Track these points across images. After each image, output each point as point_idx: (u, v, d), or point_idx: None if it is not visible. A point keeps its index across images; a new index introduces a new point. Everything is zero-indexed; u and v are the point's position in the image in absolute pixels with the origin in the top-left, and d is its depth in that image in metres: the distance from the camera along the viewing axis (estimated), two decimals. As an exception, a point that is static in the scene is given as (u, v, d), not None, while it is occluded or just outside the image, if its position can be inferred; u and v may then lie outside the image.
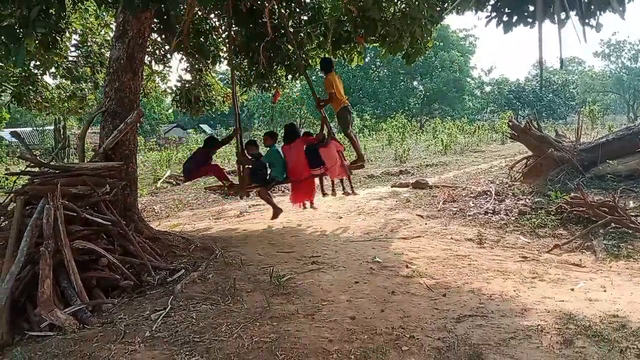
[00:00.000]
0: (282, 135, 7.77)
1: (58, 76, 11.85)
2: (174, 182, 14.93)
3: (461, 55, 45.34)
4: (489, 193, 8.33)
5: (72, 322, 3.79)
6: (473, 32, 66.68)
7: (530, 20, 5.31)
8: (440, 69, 44.56)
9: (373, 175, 13.07)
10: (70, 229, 4.75)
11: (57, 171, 5.12)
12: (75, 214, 4.82)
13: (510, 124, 9.32)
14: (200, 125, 56.00)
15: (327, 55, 8.75)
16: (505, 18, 5.40)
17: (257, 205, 9.73)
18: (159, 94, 12.82)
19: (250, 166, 7.39)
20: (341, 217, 8.01)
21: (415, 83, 48.34)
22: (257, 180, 7.41)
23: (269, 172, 7.39)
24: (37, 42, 8.89)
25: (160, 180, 15.15)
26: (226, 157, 18.62)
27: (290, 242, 6.51)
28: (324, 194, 7.95)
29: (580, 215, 6.71)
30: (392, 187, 10.57)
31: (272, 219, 7.58)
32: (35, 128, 37.41)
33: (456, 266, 5.35)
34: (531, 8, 5.30)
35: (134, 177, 6.27)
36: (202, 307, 4.08)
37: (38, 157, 5.66)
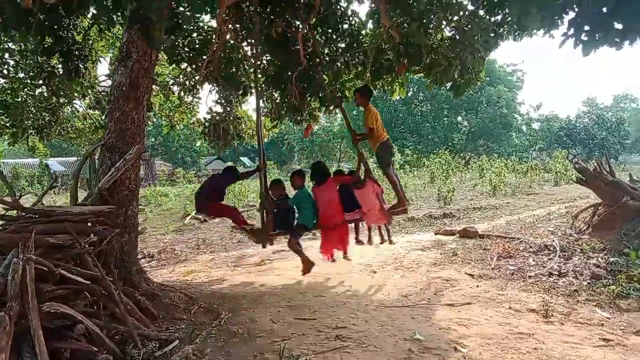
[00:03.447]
0: (310, 174, 6.86)
1: (86, 107, 11.54)
2: (202, 219, 14.21)
3: (508, 90, 43.78)
4: (551, 248, 7.04)
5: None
6: (521, 67, 64.98)
7: (617, 40, 4.21)
8: (485, 105, 43.08)
9: (414, 218, 11.87)
10: (41, 288, 3.91)
11: (35, 216, 4.33)
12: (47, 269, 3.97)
13: (577, 165, 8.02)
14: (241, 158, 56.26)
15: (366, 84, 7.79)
16: (585, 37, 4.32)
17: (281, 251, 8.74)
18: (187, 126, 12.28)
19: (275, 210, 6.45)
20: (375, 272, 6.87)
21: (459, 118, 46.92)
22: (283, 227, 6.49)
23: (296, 217, 6.45)
24: (60, 71, 8.56)
25: (189, 217, 14.47)
26: (241, 195, 17.76)
27: (312, 304, 5.43)
28: (358, 242, 6.94)
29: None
30: (435, 234, 9.38)
31: (303, 273, 6.51)
32: (79, 158, 38.31)
33: (519, 351, 4.14)
34: (618, 26, 4.21)
35: (134, 223, 5.43)
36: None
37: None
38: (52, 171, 31.37)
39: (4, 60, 8.63)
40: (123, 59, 5.09)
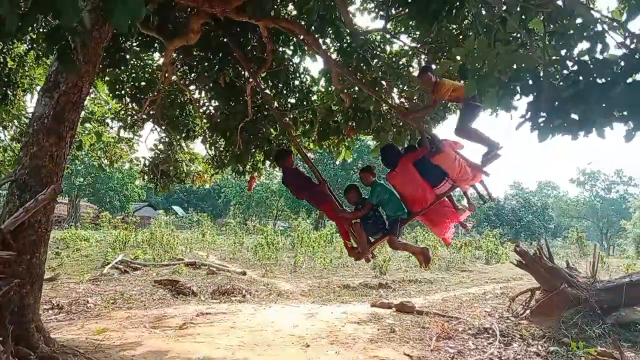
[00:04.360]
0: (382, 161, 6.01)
1: (9, 138, 10.55)
2: (123, 269, 12.98)
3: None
4: (490, 331, 6.80)
5: None
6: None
7: (576, 129, 4.14)
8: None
9: (349, 286, 11.43)
10: None
11: None
12: None
13: (518, 249, 8.02)
14: (173, 207, 54.22)
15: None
16: (542, 123, 4.24)
17: (207, 314, 7.94)
18: (122, 165, 11.52)
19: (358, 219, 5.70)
20: (308, 346, 6.25)
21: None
22: (376, 230, 5.69)
23: (383, 215, 5.71)
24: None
25: (109, 266, 13.19)
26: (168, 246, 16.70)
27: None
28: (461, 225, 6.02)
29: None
30: (372, 306, 8.95)
31: (425, 265, 5.75)
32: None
33: None
34: (575, 117, 4.14)
35: (39, 272, 4.62)
36: None
37: None
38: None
39: None
40: (49, 89, 4.49)
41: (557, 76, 4.05)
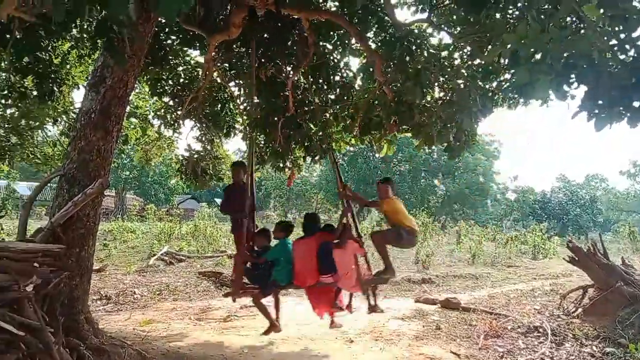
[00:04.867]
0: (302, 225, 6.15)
1: (58, 133, 10.94)
2: (168, 261, 13.34)
3: (486, 159, 44.56)
4: (541, 330, 6.57)
5: None
6: (498, 137, 66.84)
7: (636, 117, 3.91)
8: (462, 171, 43.59)
9: (392, 281, 11.27)
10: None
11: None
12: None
13: (570, 245, 7.69)
14: (215, 199, 55.22)
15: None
16: (599, 111, 4.02)
17: (251, 306, 8.03)
18: (163, 161, 11.78)
19: (251, 263, 5.84)
20: (352, 341, 6.23)
21: (436, 182, 47.26)
22: (254, 281, 5.83)
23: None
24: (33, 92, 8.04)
25: (154, 257, 13.58)
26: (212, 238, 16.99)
27: (281, 377, 4.76)
28: (334, 310, 6.01)
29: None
30: (415, 301, 8.82)
31: (264, 333, 5.88)
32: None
33: None
34: (636, 104, 3.92)
35: (88, 265, 4.76)
36: None
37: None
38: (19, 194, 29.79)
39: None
40: (95, 84, 4.60)
41: (615, 62, 3.82)
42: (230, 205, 6.23)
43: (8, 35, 4.64)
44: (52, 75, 7.59)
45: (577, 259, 7.49)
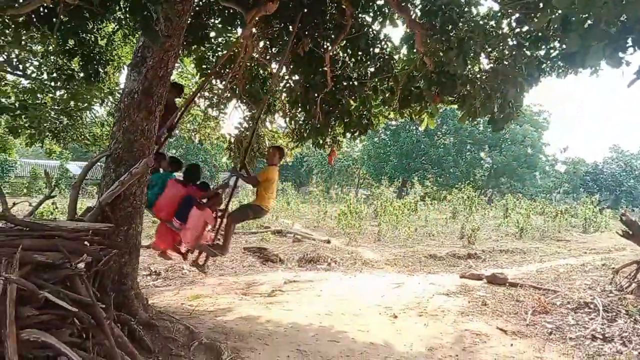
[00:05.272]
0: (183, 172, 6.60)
1: (105, 113, 11.32)
2: (214, 238, 13.69)
3: (534, 130, 42.89)
4: (592, 306, 6.34)
5: None
6: (547, 108, 63.92)
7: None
8: (510, 143, 42.18)
9: (436, 256, 11.17)
10: (22, 312, 3.42)
11: (26, 229, 3.86)
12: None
13: (624, 218, 7.34)
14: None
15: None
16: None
17: (295, 281, 8.16)
18: (212, 141, 12.05)
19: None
20: (396, 317, 6.22)
21: (482, 154, 46.00)
22: None
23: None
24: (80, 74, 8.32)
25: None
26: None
27: (325, 351, 4.83)
28: (173, 250, 6.70)
29: None
30: (461, 277, 8.69)
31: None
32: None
33: None
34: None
35: (136, 242, 4.93)
36: None
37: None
38: (51, 176, 31.03)
39: (26, 60, 8.46)
40: (136, 65, 4.67)
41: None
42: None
43: (54, 19, 4.80)
44: (97, 57, 7.81)
45: (631, 232, 7.16)
